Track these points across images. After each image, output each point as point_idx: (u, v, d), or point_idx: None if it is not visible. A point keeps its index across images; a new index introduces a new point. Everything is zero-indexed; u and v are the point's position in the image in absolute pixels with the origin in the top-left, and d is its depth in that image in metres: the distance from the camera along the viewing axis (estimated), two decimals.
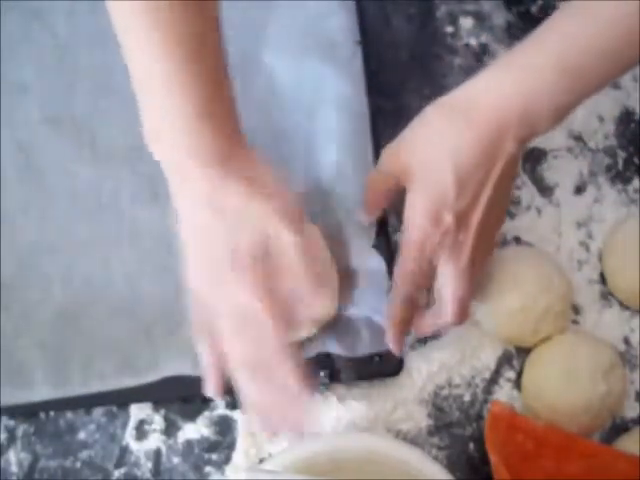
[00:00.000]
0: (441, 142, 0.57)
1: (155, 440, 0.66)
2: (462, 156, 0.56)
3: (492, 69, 0.57)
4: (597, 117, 0.76)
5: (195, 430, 0.67)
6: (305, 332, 0.65)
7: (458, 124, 0.56)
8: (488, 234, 0.61)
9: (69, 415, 0.67)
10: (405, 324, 0.62)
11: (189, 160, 0.56)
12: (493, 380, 0.69)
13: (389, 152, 0.61)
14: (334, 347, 0.65)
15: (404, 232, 0.59)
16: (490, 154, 0.56)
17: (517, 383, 0.69)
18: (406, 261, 0.59)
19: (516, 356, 0.69)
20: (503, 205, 0.61)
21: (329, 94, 0.72)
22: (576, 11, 0.55)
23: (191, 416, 0.67)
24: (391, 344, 0.63)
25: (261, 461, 0.65)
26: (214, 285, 0.58)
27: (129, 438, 0.67)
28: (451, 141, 0.57)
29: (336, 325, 0.66)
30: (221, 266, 0.57)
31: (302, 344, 0.65)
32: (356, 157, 0.69)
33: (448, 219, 0.57)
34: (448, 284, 0.60)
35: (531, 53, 0.56)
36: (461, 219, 0.57)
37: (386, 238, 0.68)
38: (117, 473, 0.66)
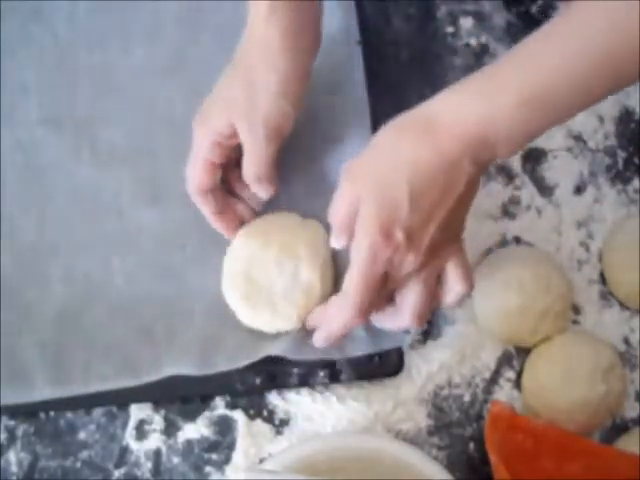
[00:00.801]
0: (397, 158, 0.55)
1: (155, 440, 0.67)
2: (418, 172, 0.54)
3: (452, 91, 0.55)
4: (597, 117, 0.76)
5: (195, 430, 0.67)
6: (288, 325, 0.65)
7: (415, 141, 0.54)
8: (441, 256, 0.58)
9: (69, 415, 0.67)
10: (347, 330, 0.61)
11: None
12: (493, 380, 0.69)
13: (345, 175, 0.58)
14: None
15: (354, 245, 0.56)
16: (447, 173, 0.54)
17: (517, 383, 0.69)
18: (356, 276, 0.57)
19: (516, 356, 0.69)
20: (458, 228, 0.59)
21: (329, 94, 0.72)
22: (545, 37, 0.53)
23: (191, 416, 0.67)
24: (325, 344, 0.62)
25: (261, 461, 0.65)
26: None
27: (129, 438, 0.67)
28: (407, 156, 0.54)
29: None
30: None
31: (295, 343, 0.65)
32: (356, 157, 0.69)
33: (399, 235, 0.54)
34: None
35: (493, 78, 0.54)
36: (412, 237, 0.55)
37: None
38: (117, 473, 0.66)
